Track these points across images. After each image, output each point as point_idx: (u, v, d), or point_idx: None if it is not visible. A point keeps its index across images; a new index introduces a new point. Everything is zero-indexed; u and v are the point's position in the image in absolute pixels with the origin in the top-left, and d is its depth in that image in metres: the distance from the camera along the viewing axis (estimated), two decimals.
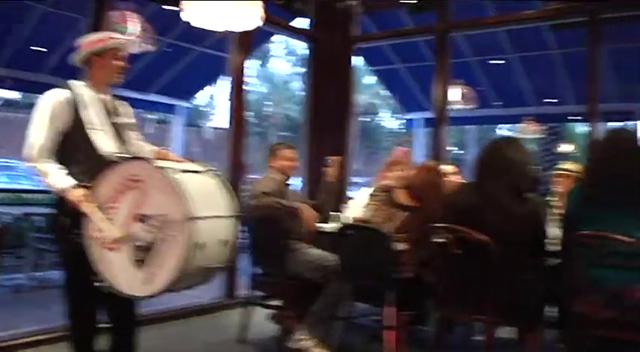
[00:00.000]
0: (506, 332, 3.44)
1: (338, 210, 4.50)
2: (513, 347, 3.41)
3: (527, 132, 11.01)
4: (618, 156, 2.78)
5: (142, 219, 2.29)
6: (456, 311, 3.13)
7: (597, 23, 5.06)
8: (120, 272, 2.33)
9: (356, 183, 7.41)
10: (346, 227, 3.64)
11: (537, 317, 3.05)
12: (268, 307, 4.01)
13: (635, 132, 3.02)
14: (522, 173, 3.01)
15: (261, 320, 4.06)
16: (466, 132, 24.66)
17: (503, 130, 24.84)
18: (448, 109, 5.75)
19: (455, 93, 7.56)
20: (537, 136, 11.63)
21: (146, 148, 2.75)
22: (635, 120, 10.46)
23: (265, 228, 3.77)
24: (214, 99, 27.39)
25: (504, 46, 9.57)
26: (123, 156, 2.49)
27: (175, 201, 2.21)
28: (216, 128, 24.83)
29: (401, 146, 4.94)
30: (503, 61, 10.28)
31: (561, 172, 4.37)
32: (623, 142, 2.85)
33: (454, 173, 4.46)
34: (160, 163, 2.37)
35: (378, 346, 3.37)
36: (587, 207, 2.81)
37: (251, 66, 5.50)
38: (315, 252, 3.70)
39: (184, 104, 12.43)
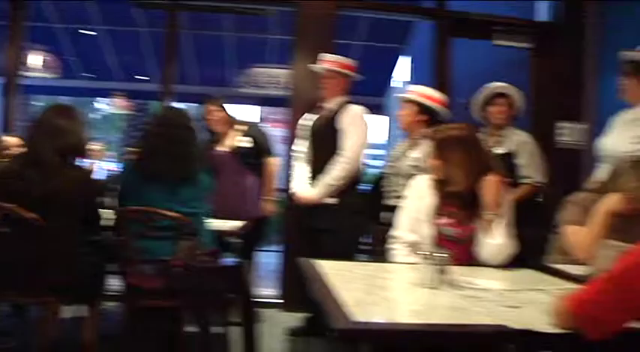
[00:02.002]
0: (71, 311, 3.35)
1: None
2: (78, 323, 3.35)
3: (118, 107, 11.04)
4: (164, 133, 2.95)
5: None
6: (10, 294, 2.89)
7: (176, 7, 5.30)
8: None
9: None
10: None
11: (94, 292, 3.02)
12: None
13: (186, 111, 3.23)
14: (71, 139, 2.84)
15: None
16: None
17: (101, 103, 24.41)
18: (22, 76, 5.34)
19: (35, 60, 7.09)
20: (127, 112, 11.76)
21: None
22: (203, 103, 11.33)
23: None
24: None
25: (94, 18, 9.34)
26: None
27: None
28: None
29: None
30: (93, 33, 10.04)
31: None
32: (169, 120, 3.04)
33: (19, 145, 4.13)
34: None
35: None
36: (137, 182, 2.92)
37: None
38: None
39: None
